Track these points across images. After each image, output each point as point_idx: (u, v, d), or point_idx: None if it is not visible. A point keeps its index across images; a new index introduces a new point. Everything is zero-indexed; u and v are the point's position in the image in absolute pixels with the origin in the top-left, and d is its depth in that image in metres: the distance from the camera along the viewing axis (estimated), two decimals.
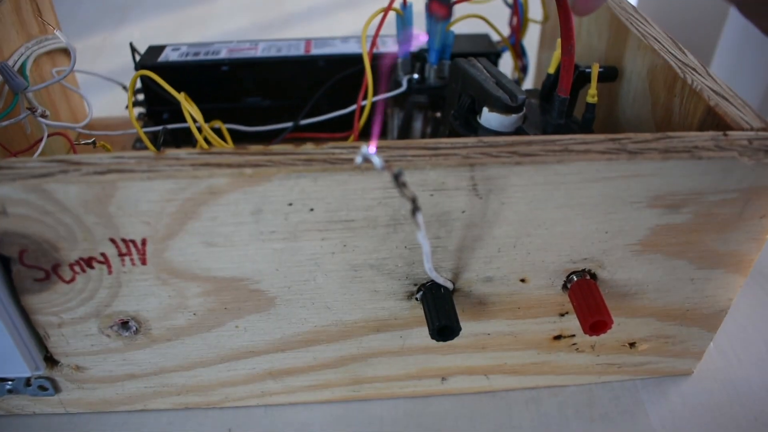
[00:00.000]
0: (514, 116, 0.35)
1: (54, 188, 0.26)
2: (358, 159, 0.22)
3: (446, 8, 0.21)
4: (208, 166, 0.26)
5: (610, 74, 0.40)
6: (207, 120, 0.47)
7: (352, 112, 0.44)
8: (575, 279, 0.31)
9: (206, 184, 0.26)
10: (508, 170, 0.27)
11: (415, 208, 0.23)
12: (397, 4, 0.43)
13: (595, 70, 0.36)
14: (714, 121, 0.31)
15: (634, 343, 0.36)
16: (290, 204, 0.27)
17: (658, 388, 0.38)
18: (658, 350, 0.36)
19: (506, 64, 0.55)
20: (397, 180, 0.22)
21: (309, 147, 0.27)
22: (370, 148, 0.22)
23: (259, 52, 0.50)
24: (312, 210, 0.27)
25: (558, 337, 0.35)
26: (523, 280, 0.31)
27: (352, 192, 0.27)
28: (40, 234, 0.27)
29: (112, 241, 0.28)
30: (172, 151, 0.27)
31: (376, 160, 0.22)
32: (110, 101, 0.60)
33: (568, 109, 0.37)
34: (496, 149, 0.27)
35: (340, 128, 0.48)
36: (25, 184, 0.25)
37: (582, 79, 0.38)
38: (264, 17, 0.88)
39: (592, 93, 0.36)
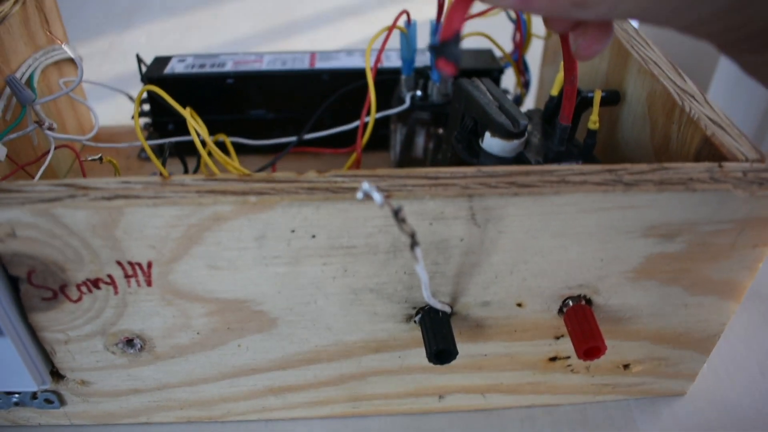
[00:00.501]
0: (516, 142, 0.35)
1: (62, 213, 0.26)
2: (359, 195, 0.23)
3: (453, 65, 0.21)
4: (212, 194, 0.27)
5: (613, 98, 0.40)
6: (212, 132, 0.48)
7: (356, 127, 0.45)
8: (571, 304, 0.32)
9: (211, 210, 0.27)
10: (506, 201, 0.27)
11: (413, 243, 0.24)
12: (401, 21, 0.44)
13: (597, 97, 0.37)
14: (710, 150, 0.32)
15: (629, 364, 0.36)
16: (293, 231, 0.27)
17: (651, 407, 0.39)
18: (651, 372, 0.37)
19: (509, 79, 0.56)
20: (397, 216, 0.23)
21: (312, 175, 0.28)
22: (370, 183, 0.22)
23: (264, 65, 0.51)
24: (314, 237, 0.28)
25: (553, 359, 0.35)
26: (519, 305, 0.32)
27: (354, 220, 0.27)
28: (48, 256, 0.28)
29: (119, 263, 0.28)
30: (177, 177, 0.28)
31: (377, 197, 0.22)
32: (117, 109, 0.61)
33: (570, 132, 0.37)
34: (494, 179, 0.28)
35: (344, 143, 0.49)
36: (34, 208, 0.26)
37: (584, 103, 0.38)
38: (270, 23, 0.89)
39: (593, 119, 0.36)
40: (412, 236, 0.24)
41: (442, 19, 0.45)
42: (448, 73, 0.21)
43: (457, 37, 0.21)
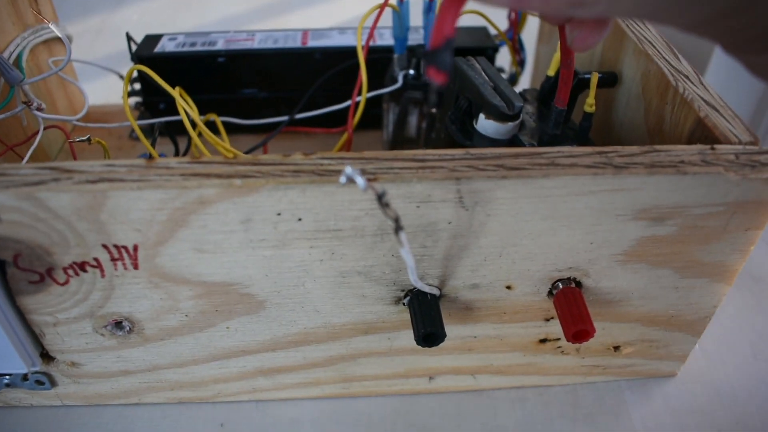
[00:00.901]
0: (510, 124, 0.35)
1: (46, 196, 0.26)
2: (342, 179, 0.22)
3: (444, 74, 0.20)
4: (197, 177, 0.26)
5: (610, 80, 0.40)
6: (203, 112, 0.47)
7: (348, 107, 0.45)
8: (560, 286, 0.32)
9: (196, 194, 0.26)
10: (494, 183, 0.27)
11: (397, 228, 0.23)
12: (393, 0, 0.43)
13: (594, 79, 0.36)
14: (703, 132, 0.32)
15: (619, 346, 0.36)
16: (279, 214, 0.27)
17: (642, 389, 0.39)
18: (642, 353, 0.37)
19: (504, 58, 0.55)
20: (381, 200, 0.23)
21: (297, 157, 0.27)
22: (353, 168, 0.22)
23: (255, 44, 0.50)
24: (300, 220, 0.28)
25: (543, 341, 0.35)
26: (508, 287, 0.32)
27: (340, 203, 0.27)
28: (34, 239, 0.27)
29: (105, 247, 0.28)
30: (162, 160, 0.27)
31: (360, 181, 0.22)
32: (108, 87, 0.60)
33: (566, 114, 0.37)
34: (482, 162, 0.27)
35: (337, 121, 0.48)
36: (18, 192, 0.26)
37: (581, 84, 0.38)
38: (263, 0, 0.88)
39: (590, 102, 0.35)
40: (396, 221, 0.23)
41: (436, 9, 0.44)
42: (438, 82, 0.21)
43: (448, 44, 0.21)
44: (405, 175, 0.27)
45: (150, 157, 0.43)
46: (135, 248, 0.28)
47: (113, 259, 0.29)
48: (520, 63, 0.52)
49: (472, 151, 0.28)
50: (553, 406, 0.38)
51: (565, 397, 0.38)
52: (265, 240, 0.28)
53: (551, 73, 0.39)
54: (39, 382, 0.35)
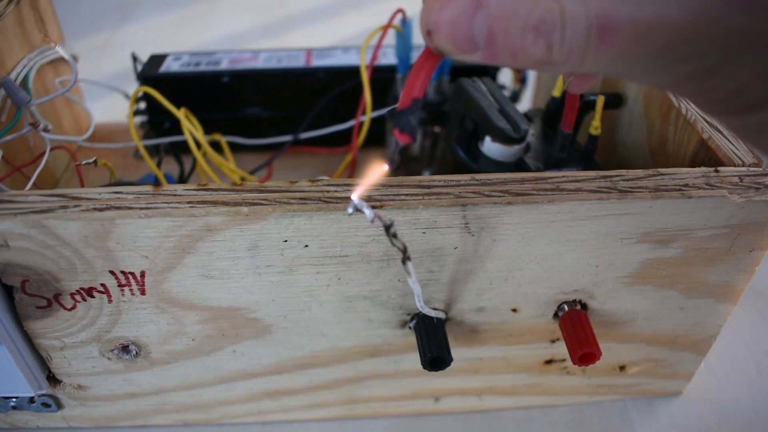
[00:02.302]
0: (516, 147, 0.35)
1: (54, 224, 0.26)
2: (350, 209, 0.23)
3: (407, 136, 0.21)
4: (205, 204, 0.27)
5: (615, 102, 0.40)
6: (208, 131, 0.48)
7: (352, 126, 0.45)
8: (566, 309, 0.32)
9: (203, 221, 0.26)
10: (500, 209, 0.27)
11: (405, 258, 0.24)
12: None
13: (600, 103, 0.36)
14: (707, 154, 0.32)
15: (624, 366, 0.36)
16: (286, 240, 0.27)
17: (648, 408, 0.39)
18: (648, 373, 0.37)
19: (506, 74, 0.55)
20: (388, 231, 0.23)
21: (304, 184, 0.28)
22: (358, 195, 0.22)
23: (259, 63, 0.50)
24: (307, 246, 0.28)
25: (549, 362, 0.35)
26: (514, 310, 0.32)
27: (346, 229, 0.27)
28: (42, 266, 0.28)
29: (112, 273, 0.28)
30: (169, 187, 0.28)
31: (368, 213, 0.22)
32: (113, 105, 0.61)
33: (571, 138, 0.37)
34: (488, 188, 0.28)
35: (341, 139, 0.48)
36: (26, 219, 0.26)
37: (586, 106, 0.38)
38: (267, 17, 0.88)
39: (595, 125, 0.35)
40: (404, 251, 0.24)
41: None
42: (402, 142, 0.21)
43: (415, 105, 0.21)
44: (411, 201, 0.27)
45: (156, 179, 0.43)
46: (142, 274, 0.28)
47: (120, 285, 0.29)
48: (521, 80, 0.52)
49: (478, 176, 0.28)
50: (558, 426, 0.38)
51: (571, 417, 0.38)
52: (272, 266, 0.28)
53: (557, 93, 0.39)
54: (45, 405, 0.35)
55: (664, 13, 0.18)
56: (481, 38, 0.19)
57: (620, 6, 0.18)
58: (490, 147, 0.35)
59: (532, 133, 0.39)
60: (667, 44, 0.18)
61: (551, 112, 0.39)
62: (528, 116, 0.40)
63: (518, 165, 0.36)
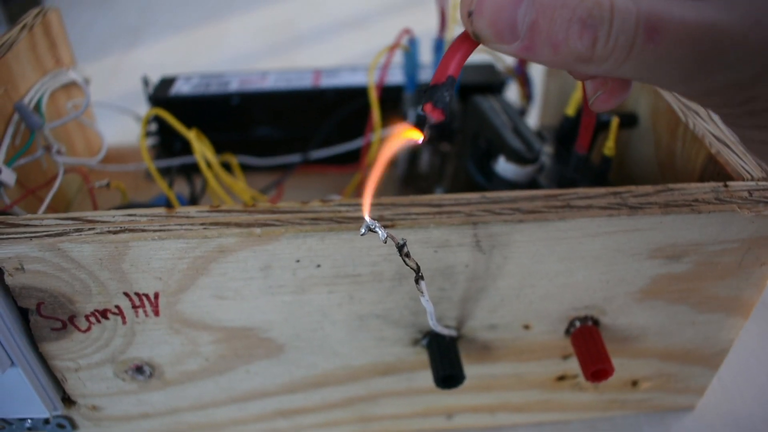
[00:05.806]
0: (530, 168, 0.35)
1: (69, 247, 0.27)
2: (362, 230, 0.23)
3: (440, 111, 0.20)
4: (217, 226, 0.27)
5: (629, 121, 0.39)
6: (219, 151, 0.48)
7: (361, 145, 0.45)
8: (578, 325, 0.32)
9: (216, 243, 0.27)
10: (511, 227, 0.27)
11: (418, 277, 0.24)
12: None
13: (614, 125, 0.35)
14: (715, 169, 0.32)
15: (637, 381, 0.36)
16: (298, 261, 0.28)
17: (661, 422, 0.39)
18: (660, 387, 0.37)
19: (512, 91, 0.56)
20: (401, 251, 0.23)
21: (316, 205, 0.28)
22: (369, 217, 0.22)
23: (268, 84, 0.51)
24: (319, 266, 0.28)
25: (561, 378, 0.35)
26: (526, 327, 0.32)
27: (358, 249, 0.27)
28: (57, 288, 0.28)
29: (126, 294, 0.28)
30: (182, 209, 0.28)
31: (381, 233, 0.22)
32: (125, 127, 0.61)
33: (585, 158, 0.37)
34: (498, 206, 0.28)
35: (349, 160, 0.49)
36: (41, 243, 0.26)
37: (600, 126, 0.38)
38: (275, 37, 0.89)
39: (609, 146, 0.35)
40: (417, 270, 0.24)
41: (444, 31, 0.45)
42: (434, 119, 0.20)
43: (449, 82, 0.20)
44: (422, 220, 0.27)
45: (167, 200, 0.44)
46: (156, 296, 0.29)
47: (134, 307, 0.29)
48: (528, 97, 0.53)
49: (488, 194, 0.28)
50: None
51: None
52: (285, 286, 0.29)
53: (570, 112, 0.39)
54: (60, 426, 0.35)
55: (715, 17, 0.18)
56: (524, 26, 0.19)
57: (671, 6, 0.18)
58: (504, 167, 0.35)
59: (546, 152, 0.39)
60: (713, 49, 0.18)
61: (565, 131, 0.39)
62: (541, 134, 0.41)
63: (532, 185, 0.36)
